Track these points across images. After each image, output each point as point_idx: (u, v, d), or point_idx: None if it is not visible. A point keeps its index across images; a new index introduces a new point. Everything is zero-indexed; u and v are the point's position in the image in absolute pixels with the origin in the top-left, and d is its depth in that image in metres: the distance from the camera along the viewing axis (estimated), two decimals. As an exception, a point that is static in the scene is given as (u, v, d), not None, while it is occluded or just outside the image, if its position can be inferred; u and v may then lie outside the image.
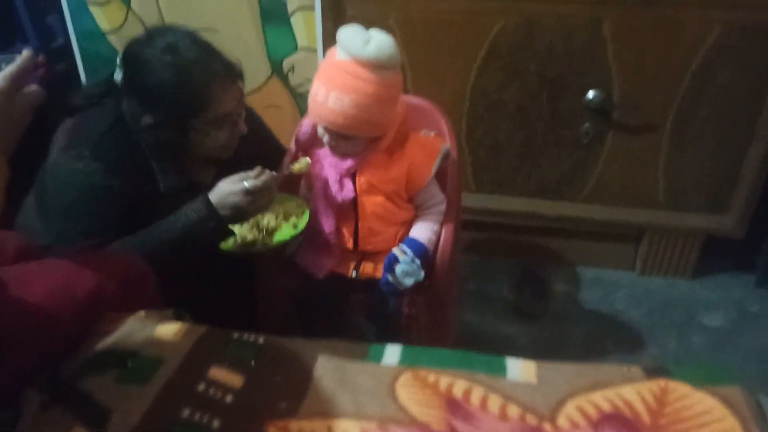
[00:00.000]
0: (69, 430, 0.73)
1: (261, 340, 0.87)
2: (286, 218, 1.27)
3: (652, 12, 1.59)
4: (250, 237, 1.23)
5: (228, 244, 1.21)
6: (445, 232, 1.31)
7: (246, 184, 1.13)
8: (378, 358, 0.85)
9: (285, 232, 1.24)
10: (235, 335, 0.88)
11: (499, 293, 1.92)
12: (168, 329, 0.86)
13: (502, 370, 0.81)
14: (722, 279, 1.95)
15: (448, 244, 1.29)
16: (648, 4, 1.58)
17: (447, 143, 1.32)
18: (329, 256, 1.32)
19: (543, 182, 1.90)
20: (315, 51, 1.89)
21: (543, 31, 1.67)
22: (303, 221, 1.24)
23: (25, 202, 1.37)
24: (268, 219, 1.26)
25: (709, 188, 1.81)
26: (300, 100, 1.99)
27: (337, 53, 1.16)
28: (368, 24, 1.64)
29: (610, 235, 1.95)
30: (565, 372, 0.80)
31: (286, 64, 1.94)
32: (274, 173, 1.17)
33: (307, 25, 1.86)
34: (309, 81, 1.94)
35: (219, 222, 1.15)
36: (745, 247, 1.88)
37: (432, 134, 1.36)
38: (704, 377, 0.75)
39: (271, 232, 1.24)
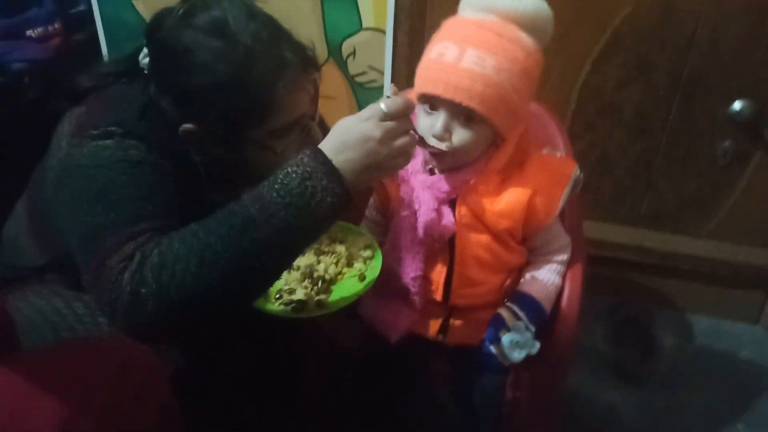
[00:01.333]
0: None
1: None
2: (350, 263, 0.93)
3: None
4: (299, 293, 0.87)
5: (268, 303, 0.86)
6: (570, 288, 0.95)
7: (382, 105, 0.76)
8: None
9: (348, 287, 0.89)
10: None
11: (591, 344, 1.55)
12: None
13: None
14: None
15: (574, 305, 0.94)
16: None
17: (576, 166, 0.95)
18: (408, 311, 0.97)
19: (658, 209, 1.53)
20: (383, 32, 1.53)
21: (685, 18, 1.29)
22: (373, 271, 0.89)
23: (14, 212, 1.04)
24: (325, 265, 0.91)
25: None
26: (360, 92, 1.64)
27: (467, 12, 0.86)
28: (454, 4, 1.22)
29: (733, 279, 1.57)
30: None
31: (347, 47, 1.58)
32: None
33: (375, 1, 1.50)
34: (373, 69, 1.59)
35: (337, 178, 0.74)
36: None
37: (558, 154, 1.00)
38: None
39: (328, 285, 0.89)
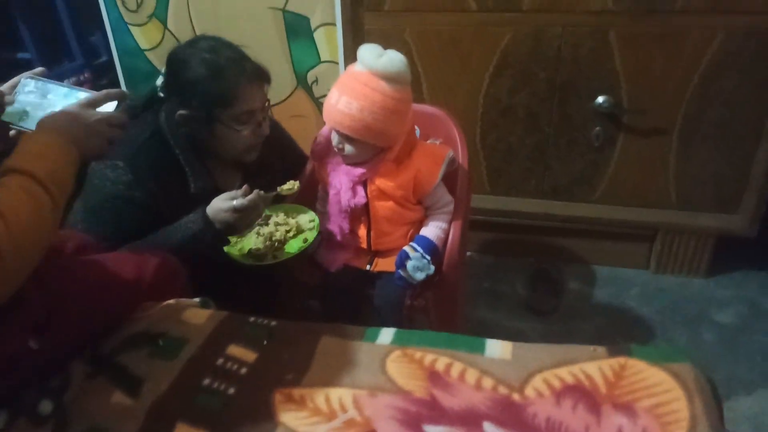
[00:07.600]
0: (109, 395, 0.86)
1: (273, 323, 1.00)
2: (299, 232, 1.40)
3: (655, 20, 1.66)
4: (261, 248, 1.36)
5: (241, 254, 1.35)
6: (454, 230, 1.41)
7: (234, 203, 1.24)
8: (373, 338, 0.97)
9: (294, 245, 1.37)
10: (252, 319, 1.00)
11: (512, 291, 2.00)
12: (194, 314, 1.00)
13: (481, 348, 0.91)
14: (736, 277, 1.98)
15: (456, 241, 1.39)
16: (651, 12, 1.65)
17: (451, 150, 1.42)
18: (343, 253, 1.44)
19: (555, 184, 1.97)
20: (337, 63, 2.02)
21: (551, 40, 1.75)
22: (312, 236, 1.37)
23: (74, 206, 1.53)
24: (281, 233, 1.39)
25: (720, 188, 1.85)
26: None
27: (356, 66, 1.29)
28: (385, 38, 1.77)
29: (623, 234, 2.01)
30: (537, 351, 0.90)
31: (310, 76, 2.08)
32: (261, 192, 1.29)
33: (329, 39, 1.99)
34: (332, 91, 2.09)
35: (215, 234, 1.27)
36: (760, 245, 1.90)
37: (438, 142, 1.46)
38: (660, 356, 0.84)
39: (282, 244, 1.37)
